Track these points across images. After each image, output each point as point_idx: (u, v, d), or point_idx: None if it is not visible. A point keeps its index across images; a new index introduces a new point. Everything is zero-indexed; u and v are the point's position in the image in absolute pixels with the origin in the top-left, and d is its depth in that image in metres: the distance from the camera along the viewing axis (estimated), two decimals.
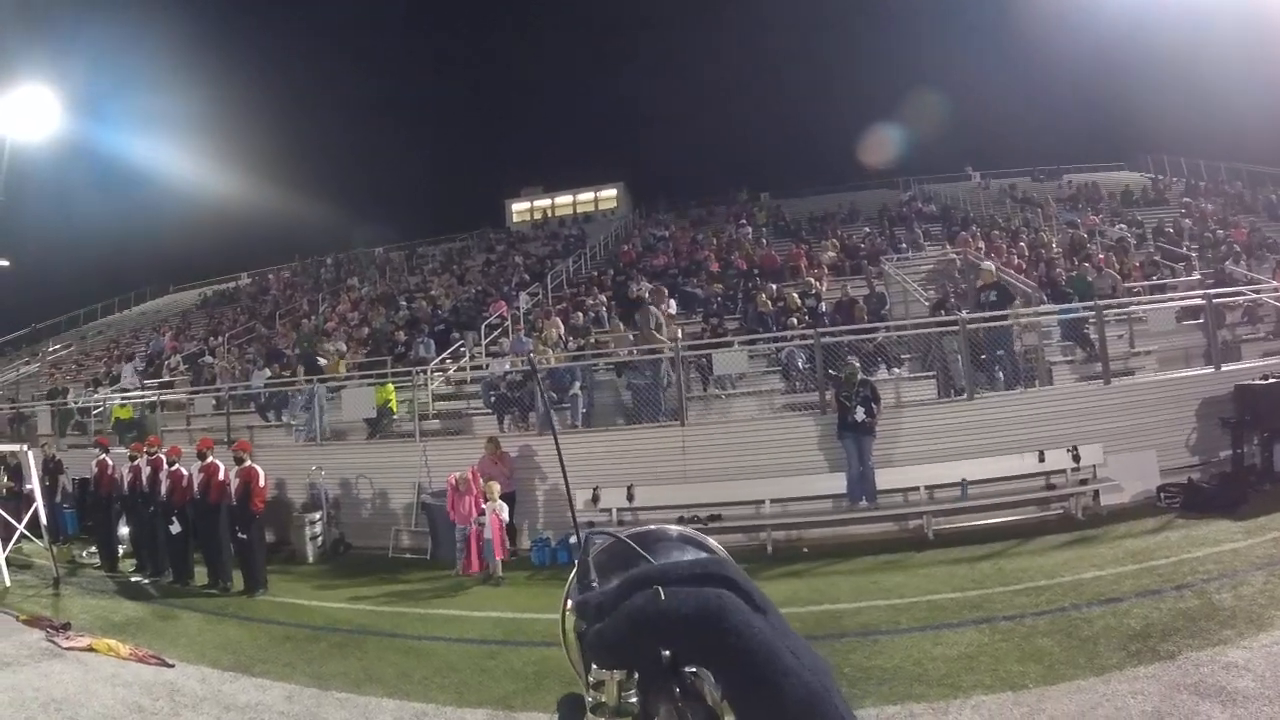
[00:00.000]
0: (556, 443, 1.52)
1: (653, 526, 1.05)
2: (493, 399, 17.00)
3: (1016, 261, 22.33)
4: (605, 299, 24.54)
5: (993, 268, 18.17)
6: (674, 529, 1.05)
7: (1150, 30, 39.39)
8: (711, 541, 1.02)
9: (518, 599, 11.41)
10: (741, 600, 0.74)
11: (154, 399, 22.97)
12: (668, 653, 0.78)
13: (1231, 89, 39.48)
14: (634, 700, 0.79)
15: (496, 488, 13.08)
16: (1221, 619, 7.44)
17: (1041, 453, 13.06)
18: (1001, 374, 14.83)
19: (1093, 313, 15.43)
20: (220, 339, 32.83)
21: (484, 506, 12.95)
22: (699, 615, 0.71)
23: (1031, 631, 7.80)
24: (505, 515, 13.02)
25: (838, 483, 13.38)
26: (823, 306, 19.60)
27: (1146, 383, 14.84)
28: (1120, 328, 16.88)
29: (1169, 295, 19.37)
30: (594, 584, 0.90)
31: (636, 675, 0.79)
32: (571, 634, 0.91)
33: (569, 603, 0.87)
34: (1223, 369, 14.57)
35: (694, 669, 0.79)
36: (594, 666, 0.80)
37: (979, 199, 37.26)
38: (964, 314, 15.37)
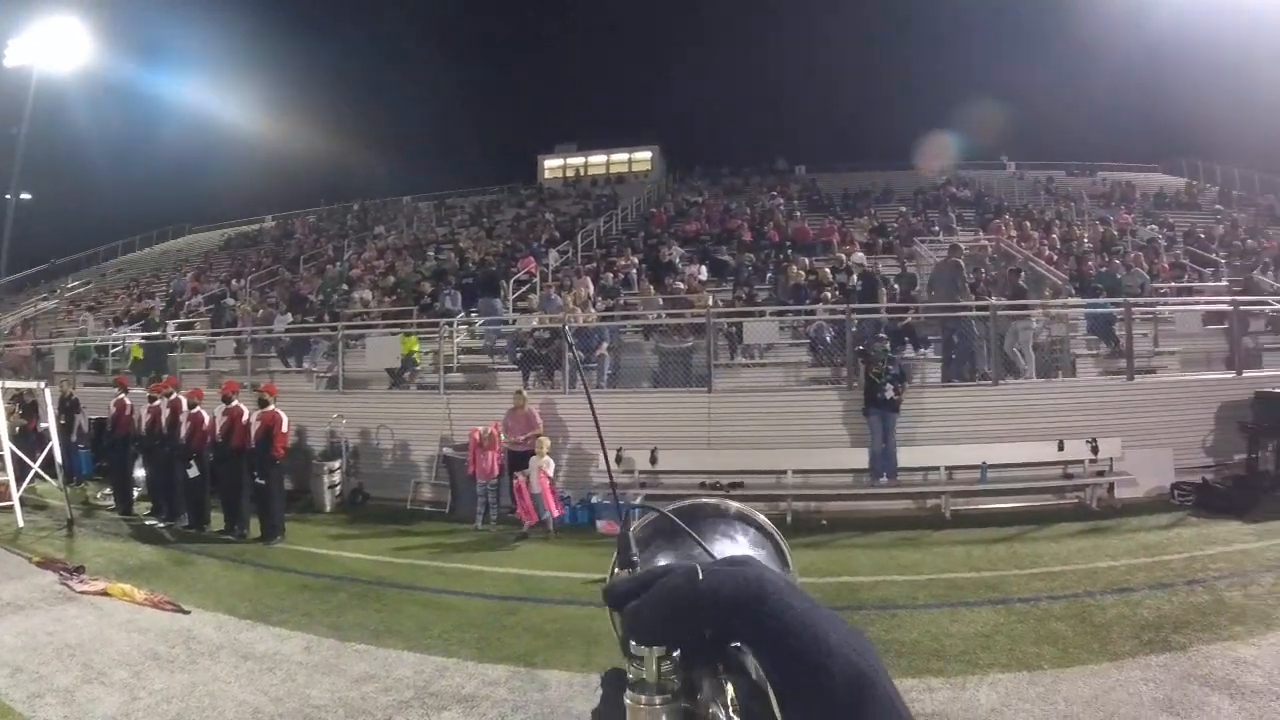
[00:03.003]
0: (593, 408, 1.49)
1: (701, 500, 1.09)
2: (519, 355, 17.04)
3: (1048, 253, 22.47)
4: (636, 261, 24.51)
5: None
6: (718, 502, 1.10)
7: (1193, 35, 39.11)
8: (760, 517, 1.08)
9: (537, 557, 11.44)
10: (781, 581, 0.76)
11: (174, 339, 22.83)
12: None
13: (1274, 100, 39.24)
14: (675, 676, 0.79)
15: (546, 443, 13.08)
16: (1231, 615, 7.61)
17: (1061, 442, 13.30)
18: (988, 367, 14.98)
19: (1120, 309, 15.60)
20: (242, 281, 32.78)
21: (531, 461, 12.94)
22: (737, 596, 0.73)
23: (1046, 615, 7.97)
24: (551, 470, 12.98)
25: (859, 457, 13.57)
26: (854, 282, 19.69)
27: (1168, 382, 15.10)
28: (1146, 326, 17.04)
29: (1196, 298, 19.48)
30: (635, 559, 0.94)
31: (678, 652, 0.79)
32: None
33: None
34: (1244, 375, 14.80)
35: (738, 644, 0.78)
36: (633, 643, 0.81)
37: (1013, 188, 37.16)
38: (994, 300, 15.51)
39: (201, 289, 33.01)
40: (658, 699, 0.77)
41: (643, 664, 0.79)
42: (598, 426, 1.39)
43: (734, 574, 0.75)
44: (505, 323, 19.52)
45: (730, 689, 0.78)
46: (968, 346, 15.07)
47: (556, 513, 12.88)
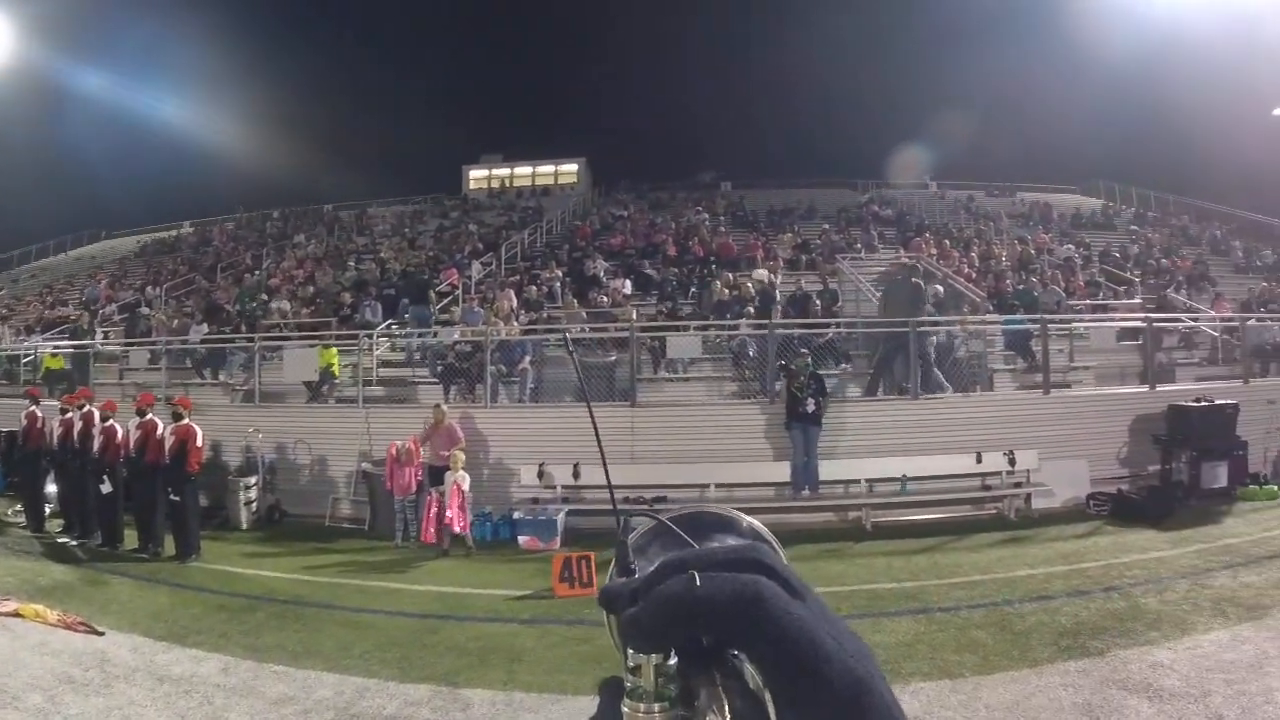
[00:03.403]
0: (594, 421, 1.46)
1: (699, 508, 1.06)
2: (439, 369, 16.74)
3: (966, 270, 22.74)
4: (560, 274, 24.42)
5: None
6: (716, 508, 1.07)
7: (1110, 60, 40.20)
8: (757, 523, 1.04)
9: (458, 574, 11.28)
10: (779, 586, 0.74)
11: (87, 350, 21.65)
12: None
13: (1189, 124, 40.49)
14: (672, 684, 0.78)
15: (461, 457, 12.82)
16: (1148, 621, 7.75)
17: (979, 454, 13.48)
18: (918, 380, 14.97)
19: (1037, 325, 15.87)
20: (158, 290, 31.89)
21: (446, 476, 12.63)
22: (734, 601, 0.71)
23: (966, 623, 8.04)
24: (466, 485, 12.68)
25: (781, 471, 13.62)
26: (777, 298, 19.82)
27: (1083, 396, 15.38)
28: (1062, 342, 17.35)
29: (1110, 315, 19.93)
30: (633, 566, 0.92)
31: (675, 659, 0.78)
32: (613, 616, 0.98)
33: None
34: (1157, 389, 15.13)
35: (736, 651, 0.77)
36: (630, 651, 0.79)
37: (935, 207, 37.87)
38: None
39: (116, 297, 31.93)
40: (655, 707, 0.76)
41: (640, 672, 0.77)
42: (598, 438, 1.36)
43: (731, 579, 0.73)
44: (435, 333, 19.24)
45: (727, 697, 0.76)
46: (923, 362, 15.14)
47: (457, 529, 12.50)
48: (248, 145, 62.28)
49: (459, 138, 77.82)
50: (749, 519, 1.04)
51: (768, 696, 0.70)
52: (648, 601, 0.74)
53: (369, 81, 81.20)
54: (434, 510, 12.55)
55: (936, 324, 15.54)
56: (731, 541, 0.99)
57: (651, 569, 0.79)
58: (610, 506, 1.23)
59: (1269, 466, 14.77)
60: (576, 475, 13.47)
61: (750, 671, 0.74)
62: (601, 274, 24.19)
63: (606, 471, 1.31)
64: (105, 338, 24.26)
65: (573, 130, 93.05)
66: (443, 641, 8.29)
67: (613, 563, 0.93)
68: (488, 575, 11.13)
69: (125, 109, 53.69)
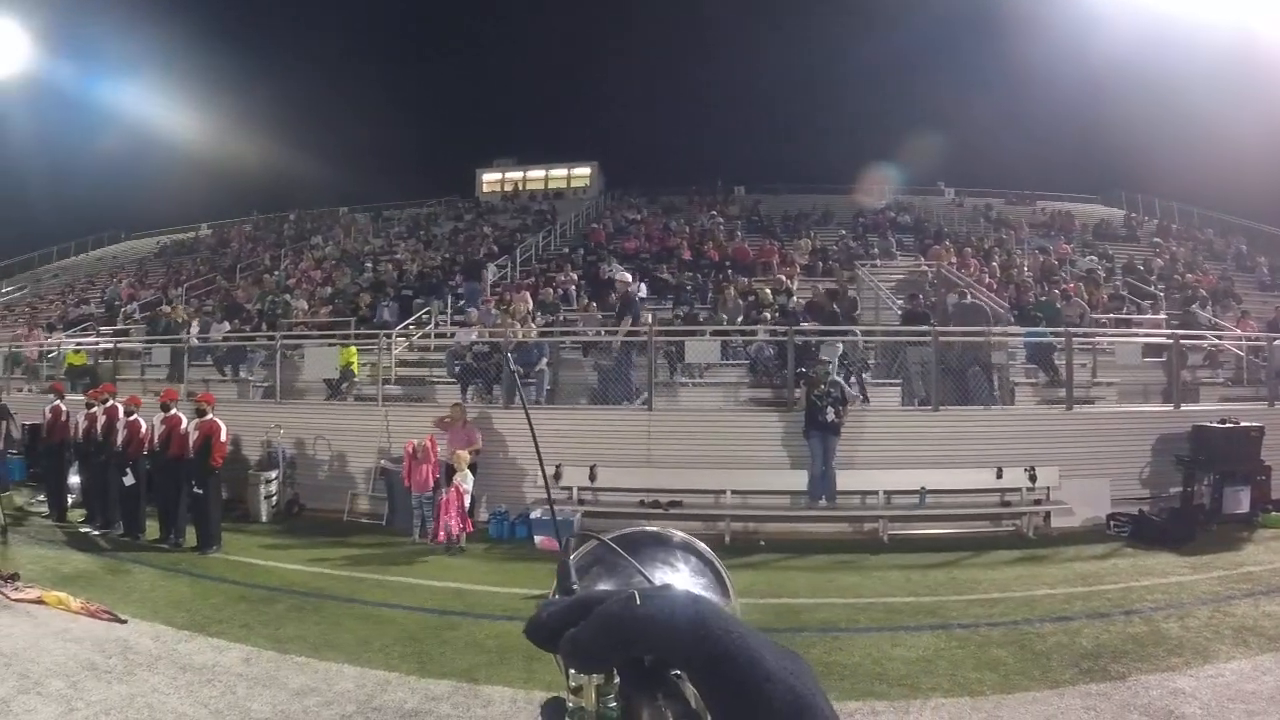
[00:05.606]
0: (531, 428, 1.46)
1: (642, 528, 1.07)
2: (457, 369, 16.83)
3: (987, 280, 22.55)
4: (575, 277, 24.54)
5: (628, 278, 19.85)
6: (658, 530, 1.07)
7: (1131, 67, 39.74)
8: (701, 545, 1.05)
9: (475, 571, 11.34)
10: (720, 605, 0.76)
11: (109, 346, 22.46)
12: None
13: (1213, 135, 39.96)
14: (614, 704, 0.79)
15: (466, 457, 12.90)
16: (1169, 647, 7.64)
17: (999, 469, 13.29)
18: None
19: (1059, 338, 15.69)
20: (179, 289, 32.07)
21: (456, 477, 12.78)
22: (675, 621, 0.71)
23: (986, 641, 7.95)
24: (468, 485, 12.81)
25: (798, 479, 13.47)
26: (794, 303, 19.66)
27: (1106, 413, 15.16)
28: (1085, 357, 17.07)
29: (1135, 330, 19.72)
30: (575, 586, 0.91)
31: (617, 679, 0.79)
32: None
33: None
34: (1181, 408, 14.89)
35: (677, 672, 0.78)
36: (572, 671, 0.80)
37: (953, 215, 37.46)
38: (935, 326, 15.56)
39: (137, 296, 32.38)
40: None
41: (582, 692, 0.79)
42: (536, 445, 1.34)
43: (671, 599, 0.75)
44: (453, 334, 19.27)
45: (670, 717, 0.77)
46: (982, 375, 15.12)
47: (455, 530, 12.60)
48: (263, 148, 62.27)
49: (472, 140, 77.45)
50: (681, 534, 1.05)
51: (708, 716, 0.72)
52: (588, 622, 0.75)
53: (383, 84, 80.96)
54: (454, 509, 12.66)
55: (955, 334, 15.42)
56: (676, 561, 1.00)
57: (569, 603, 0.81)
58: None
59: None
60: (593, 478, 13.51)
61: (691, 692, 0.76)
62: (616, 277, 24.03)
63: (546, 480, 1.29)
64: (114, 335, 24.63)
65: (585, 133, 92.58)
66: (461, 638, 8.37)
67: (554, 583, 0.94)
68: (504, 573, 11.19)
69: (144, 115, 53.64)
